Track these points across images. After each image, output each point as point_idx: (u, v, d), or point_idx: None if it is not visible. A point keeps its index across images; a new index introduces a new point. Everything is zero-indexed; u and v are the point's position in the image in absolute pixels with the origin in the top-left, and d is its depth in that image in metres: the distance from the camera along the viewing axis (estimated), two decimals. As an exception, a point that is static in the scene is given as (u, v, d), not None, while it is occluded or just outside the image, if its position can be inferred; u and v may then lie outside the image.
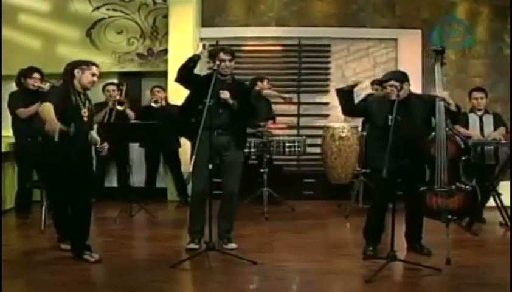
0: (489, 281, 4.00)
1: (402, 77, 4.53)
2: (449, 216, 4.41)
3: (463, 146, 4.45)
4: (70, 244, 4.47)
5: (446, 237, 4.43)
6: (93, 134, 4.55)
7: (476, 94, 6.01)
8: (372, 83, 6.60)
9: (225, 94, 4.64)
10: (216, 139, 4.58)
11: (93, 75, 4.41)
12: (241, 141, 4.92)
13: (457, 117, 4.57)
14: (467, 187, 4.42)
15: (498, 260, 4.42)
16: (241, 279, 4.14)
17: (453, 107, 4.43)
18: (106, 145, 4.55)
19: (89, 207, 4.54)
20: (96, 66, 4.47)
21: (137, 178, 6.92)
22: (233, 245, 4.84)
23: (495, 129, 5.92)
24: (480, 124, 5.94)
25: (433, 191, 4.41)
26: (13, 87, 6.28)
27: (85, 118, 4.41)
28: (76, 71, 4.36)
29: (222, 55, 4.74)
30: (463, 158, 4.49)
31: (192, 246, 4.73)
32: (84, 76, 4.37)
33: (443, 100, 4.41)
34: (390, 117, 4.22)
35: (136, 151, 7.16)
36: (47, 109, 4.15)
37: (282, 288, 3.97)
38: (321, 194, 7.10)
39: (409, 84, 4.54)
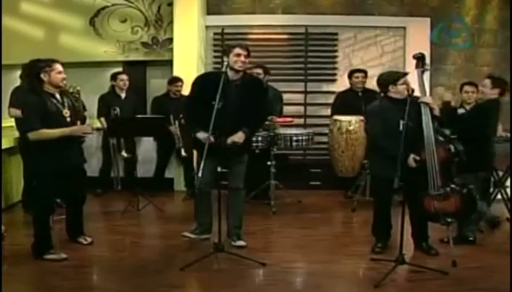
0: (494, 286, 4.00)
1: None
2: (448, 219, 4.42)
3: (453, 149, 4.41)
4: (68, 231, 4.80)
5: (449, 240, 4.46)
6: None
7: (467, 88, 5.95)
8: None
9: (235, 139, 4.61)
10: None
11: (60, 72, 4.39)
12: (246, 143, 4.84)
13: (442, 121, 4.57)
14: (464, 189, 4.41)
15: (504, 262, 4.40)
16: (250, 283, 4.17)
17: (436, 112, 4.45)
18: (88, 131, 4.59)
19: (83, 200, 4.84)
20: (57, 61, 4.41)
21: (145, 168, 6.98)
22: (242, 242, 4.86)
23: None
24: None
25: (429, 195, 4.43)
26: (14, 77, 6.23)
27: (68, 119, 4.44)
28: (42, 75, 4.33)
29: (238, 50, 4.61)
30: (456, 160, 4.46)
31: (187, 234, 4.90)
32: (53, 78, 4.36)
33: (427, 104, 4.41)
34: (401, 121, 4.18)
35: (144, 141, 7.15)
36: (44, 134, 4.28)
37: (291, 293, 4.00)
38: (327, 184, 7.10)
39: None
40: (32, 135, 4.31)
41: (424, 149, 4.37)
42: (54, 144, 4.32)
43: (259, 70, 6.31)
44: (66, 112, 4.43)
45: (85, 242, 4.78)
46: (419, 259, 4.48)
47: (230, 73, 4.60)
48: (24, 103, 4.46)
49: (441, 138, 4.45)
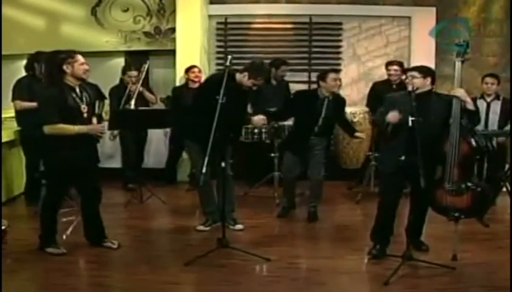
0: (501, 283, 3.94)
1: (426, 71, 4.41)
2: (457, 215, 4.37)
3: (475, 145, 4.33)
4: (88, 237, 4.61)
5: (454, 234, 4.39)
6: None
7: (488, 79, 5.98)
8: (386, 65, 6.56)
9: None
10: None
11: (82, 63, 4.24)
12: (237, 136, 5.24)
13: (474, 116, 4.40)
14: (478, 187, 4.34)
15: (508, 258, 4.31)
16: (254, 280, 4.14)
17: (470, 106, 4.29)
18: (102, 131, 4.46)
19: (99, 199, 4.60)
20: (78, 52, 4.27)
21: (154, 160, 7.12)
22: (240, 226, 5.15)
23: (500, 115, 5.88)
24: (487, 110, 5.91)
25: (443, 189, 4.36)
26: (16, 67, 6.19)
27: (85, 115, 4.30)
28: (65, 67, 4.16)
29: (260, 80, 4.96)
30: (477, 157, 4.39)
31: (201, 228, 5.11)
32: (76, 69, 4.19)
33: (458, 98, 4.27)
34: (410, 118, 4.11)
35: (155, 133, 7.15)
36: (60, 129, 4.14)
37: (296, 290, 3.93)
38: (331, 176, 7.03)
39: (432, 81, 4.40)
40: (48, 129, 4.15)
41: (447, 141, 4.28)
42: (68, 141, 4.18)
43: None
44: (84, 108, 4.26)
45: (114, 246, 4.56)
46: (424, 255, 4.43)
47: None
48: (42, 94, 4.29)
49: (467, 133, 4.35)
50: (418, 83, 4.32)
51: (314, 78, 7.39)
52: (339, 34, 7.39)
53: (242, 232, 5.11)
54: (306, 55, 7.42)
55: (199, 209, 5.39)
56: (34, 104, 5.32)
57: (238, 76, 4.88)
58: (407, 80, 4.46)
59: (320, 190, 5.62)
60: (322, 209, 5.78)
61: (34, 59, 5.64)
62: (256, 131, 6.01)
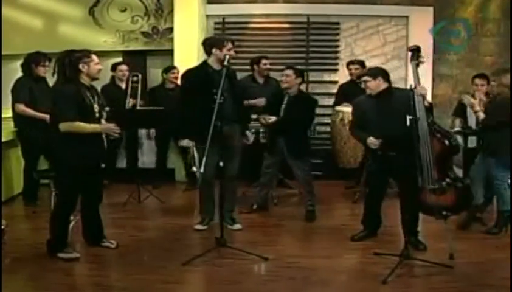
0: (498, 282, 3.96)
1: (374, 72, 4.60)
2: (444, 213, 4.42)
3: (447, 143, 4.40)
4: (86, 237, 4.61)
5: (448, 233, 4.44)
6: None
7: (477, 81, 6.00)
8: (348, 64, 6.75)
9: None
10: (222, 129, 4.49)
11: (97, 63, 4.28)
12: (246, 127, 5.21)
13: (431, 112, 4.57)
14: (459, 183, 4.42)
15: (505, 256, 4.35)
16: (253, 279, 4.15)
17: (426, 103, 4.44)
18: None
19: (100, 199, 4.63)
20: (92, 52, 4.30)
21: (147, 159, 7.07)
22: (238, 226, 5.18)
23: None
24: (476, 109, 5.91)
25: (425, 189, 4.43)
26: (14, 67, 6.18)
27: (97, 114, 4.30)
28: (81, 66, 4.18)
29: (231, 45, 4.86)
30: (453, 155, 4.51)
31: (199, 227, 5.14)
32: (91, 68, 4.22)
33: (422, 96, 4.40)
34: (408, 117, 4.13)
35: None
36: (76, 127, 4.12)
37: (294, 289, 3.95)
38: (328, 175, 7.06)
39: (385, 80, 4.55)
40: (64, 127, 4.11)
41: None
42: (81, 139, 4.17)
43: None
44: (96, 107, 4.27)
45: (112, 246, 4.57)
46: (422, 254, 4.45)
47: (215, 65, 4.85)
48: (59, 92, 4.22)
49: (436, 131, 4.45)
50: (372, 86, 4.54)
51: (311, 78, 7.47)
52: (337, 34, 7.40)
53: (240, 232, 5.13)
54: (303, 55, 7.42)
55: (197, 209, 5.40)
56: (37, 113, 5.38)
57: (211, 60, 4.83)
58: (362, 85, 4.67)
59: (309, 188, 5.59)
60: (320, 209, 5.79)
61: (30, 59, 5.64)
62: (252, 130, 6.01)
